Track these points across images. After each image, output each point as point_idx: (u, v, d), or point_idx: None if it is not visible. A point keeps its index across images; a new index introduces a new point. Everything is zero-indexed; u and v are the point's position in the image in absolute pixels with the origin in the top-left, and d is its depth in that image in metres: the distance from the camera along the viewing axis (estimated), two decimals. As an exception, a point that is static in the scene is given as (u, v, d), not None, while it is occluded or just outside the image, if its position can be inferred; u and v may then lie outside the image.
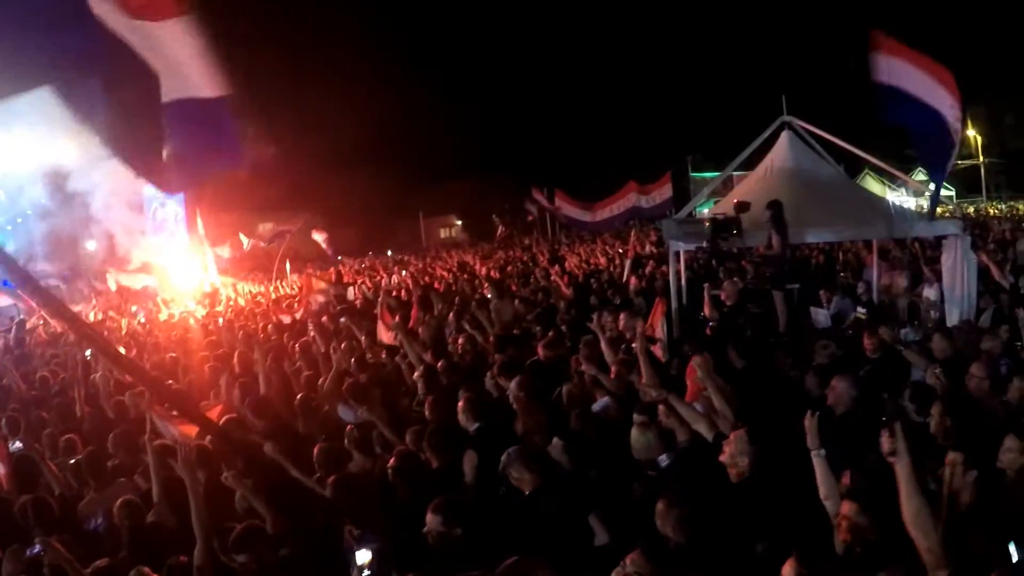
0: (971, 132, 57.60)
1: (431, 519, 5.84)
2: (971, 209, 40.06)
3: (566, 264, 22.43)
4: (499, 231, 28.24)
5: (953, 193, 22.82)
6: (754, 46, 58.99)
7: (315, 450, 7.81)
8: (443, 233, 67.18)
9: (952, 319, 11.95)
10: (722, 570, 5.18)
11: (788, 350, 9.94)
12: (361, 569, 5.52)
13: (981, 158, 55.93)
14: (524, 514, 6.27)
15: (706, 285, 12.88)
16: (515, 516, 6.36)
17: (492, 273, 22.32)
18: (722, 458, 6.28)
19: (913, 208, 23.98)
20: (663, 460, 6.95)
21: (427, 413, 8.77)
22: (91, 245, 37.28)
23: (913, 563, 4.68)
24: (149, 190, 43.50)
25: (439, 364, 10.61)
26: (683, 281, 13.25)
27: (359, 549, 5.60)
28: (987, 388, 8.01)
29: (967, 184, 48.54)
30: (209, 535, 6.37)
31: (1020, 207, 46.76)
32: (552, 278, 19.14)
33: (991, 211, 43.66)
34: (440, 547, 5.78)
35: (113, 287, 29.37)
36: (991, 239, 22.21)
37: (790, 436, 7.16)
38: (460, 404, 8.37)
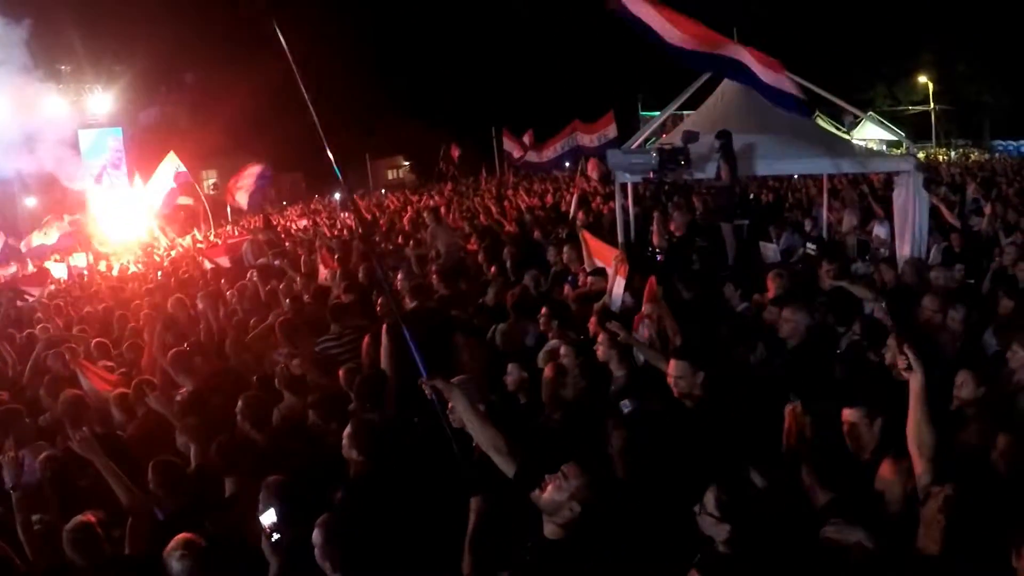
0: (923, 79, 57.75)
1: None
2: (921, 155, 40.19)
3: (514, 201, 21.89)
4: (439, 169, 27.76)
5: (903, 137, 22.58)
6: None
7: (240, 400, 7.36)
8: (391, 175, 66.15)
9: (903, 256, 11.74)
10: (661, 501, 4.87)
11: (738, 282, 9.64)
12: (270, 533, 5.05)
13: (932, 105, 56.10)
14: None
15: (655, 214, 12.49)
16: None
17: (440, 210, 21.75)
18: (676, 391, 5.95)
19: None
20: (626, 406, 6.49)
21: (363, 356, 8.42)
22: (30, 202, 35.80)
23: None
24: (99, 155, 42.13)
25: (379, 301, 10.20)
26: (631, 216, 12.85)
27: (263, 511, 5.12)
28: (939, 321, 7.83)
29: (918, 130, 48.57)
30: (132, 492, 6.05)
31: (972, 154, 47.02)
32: (495, 215, 18.76)
33: (940, 157, 43.79)
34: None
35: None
36: (943, 183, 22.15)
37: (736, 367, 6.91)
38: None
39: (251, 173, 24.51)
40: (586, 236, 10.62)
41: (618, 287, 8.90)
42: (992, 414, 5.62)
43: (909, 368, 4.71)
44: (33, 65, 31.70)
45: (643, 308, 7.59)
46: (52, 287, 20.17)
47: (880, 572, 4.29)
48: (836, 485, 4.86)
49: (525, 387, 6.92)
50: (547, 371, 6.83)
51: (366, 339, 8.54)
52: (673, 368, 5.92)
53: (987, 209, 14.37)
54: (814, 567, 4.54)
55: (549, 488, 4.28)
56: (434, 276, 10.76)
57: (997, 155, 45.38)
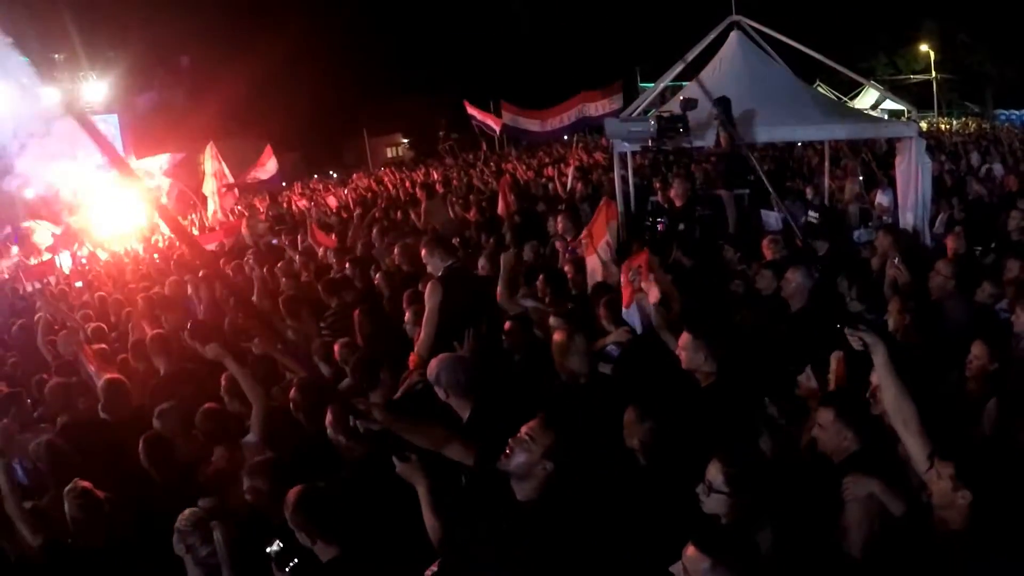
0: (924, 47, 57.30)
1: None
2: (923, 124, 39.93)
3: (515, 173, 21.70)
4: (440, 146, 27.48)
5: (907, 107, 22.31)
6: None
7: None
8: (389, 152, 65.73)
9: (905, 224, 11.59)
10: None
11: (737, 246, 9.50)
12: (280, 561, 4.62)
13: (934, 74, 55.74)
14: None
15: (655, 179, 12.35)
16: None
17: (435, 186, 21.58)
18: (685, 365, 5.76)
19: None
20: (612, 350, 6.30)
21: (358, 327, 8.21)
22: (29, 193, 35.45)
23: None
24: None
25: (376, 276, 10.10)
26: (630, 186, 12.67)
27: (270, 545, 4.73)
28: (952, 288, 7.56)
29: (920, 100, 48.22)
30: None
31: (972, 123, 46.63)
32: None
33: (943, 126, 43.44)
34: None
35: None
36: (944, 151, 21.95)
37: (738, 335, 6.75)
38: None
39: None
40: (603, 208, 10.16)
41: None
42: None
43: (864, 347, 4.26)
44: (26, 54, 31.34)
45: (623, 278, 7.25)
46: (54, 278, 20.05)
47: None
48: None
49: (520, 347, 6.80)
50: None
51: (356, 313, 8.36)
52: (684, 341, 5.73)
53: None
54: (821, 537, 4.41)
55: (515, 451, 4.15)
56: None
57: (999, 124, 45.00)
